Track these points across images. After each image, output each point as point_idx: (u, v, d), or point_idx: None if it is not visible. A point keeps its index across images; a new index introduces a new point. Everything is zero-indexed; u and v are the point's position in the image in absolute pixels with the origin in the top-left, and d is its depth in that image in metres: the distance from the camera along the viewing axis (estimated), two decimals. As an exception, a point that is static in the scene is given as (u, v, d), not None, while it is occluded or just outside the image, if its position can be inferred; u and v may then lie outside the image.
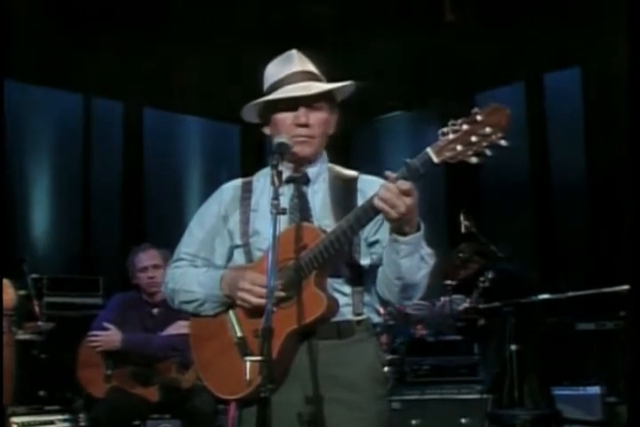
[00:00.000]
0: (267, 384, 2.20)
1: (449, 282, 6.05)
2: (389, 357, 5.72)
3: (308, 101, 2.63)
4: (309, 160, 2.68)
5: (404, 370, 5.72)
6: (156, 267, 5.04)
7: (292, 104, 2.63)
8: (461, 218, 6.09)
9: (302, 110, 2.62)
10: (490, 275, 5.94)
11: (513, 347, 5.34)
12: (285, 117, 2.64)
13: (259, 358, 2.23)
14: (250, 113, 2.75)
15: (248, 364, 2.32)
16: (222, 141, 9.17)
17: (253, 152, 8.35)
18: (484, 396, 5.31)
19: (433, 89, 8.14)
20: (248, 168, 8.64)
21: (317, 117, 2.64)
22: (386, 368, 5.52)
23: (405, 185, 2.28)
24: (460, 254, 6.07)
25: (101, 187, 8.10)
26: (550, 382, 5.48)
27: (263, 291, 2.42)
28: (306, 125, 2.62)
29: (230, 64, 7.43)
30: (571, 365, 5.57)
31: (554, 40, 7.16)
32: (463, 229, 6.08)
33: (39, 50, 7.06)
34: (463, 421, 5.24)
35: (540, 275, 7.14)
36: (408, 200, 2.28)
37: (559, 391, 5.48)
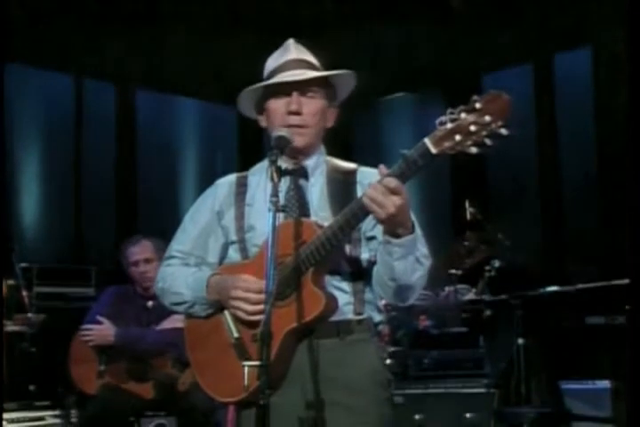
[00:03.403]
0: (265, 391, 2.16)
1: (454, 271, 5.91)
2: (392, 349, 5.59)
3: (301, 88, 2.57)
4: (304, 151, 2.60)
5: (406, 363, 5.58)
6: (147, 261, 4.94)
7: (284, 91, 2.58)
8: (467, 205, 5.98)
9: (294, 97, 2.57)
10: (496, 264, 5.84)
11: (520, 341, 5.22)
12: (278, 106, 2.59)
13: (257, 363, 2.18)
14: (246, 105, 2.69)
15: (246, 369, 2.26)
16: (219, 124, 8.94)
17: (251, 136, 8.16)
18: (490, 390, 5.15)
19: (439, 70, 7.98)
20: (245, 152, 8.62)
21: (311, 106, 2.58)
22: (388, 361, 5.41)
23: (392, 183, 2.19)
24: (466, 243, 5.91)
25: (93, 172, 7.94)
26: (559, 377, 5.35)
27: (259, 297, 2.40)
28: (298, 113, 2.56)
29: (228, 45, 7.28)
30: (580, 360, 5.44)
31: (563, 19, 7.01)
32: (468, 217, 5.96)
33: (29, 31, 6.91)
34: (468, 416, 5.08)
35: (549, 266, 7.03)
36: (397, 200, 2.20)
37: (567, 386, 5.35)
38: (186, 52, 7.51)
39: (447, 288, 6.03)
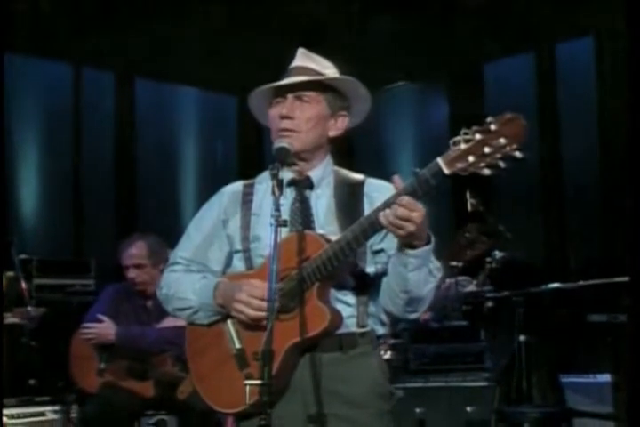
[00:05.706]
0: (267, 410, 2.15)
1: (455, 263, 5.87)
2: (392, 341, 5.57)
3: (295, 93, 2.56)
4: (301, 157, 2.56)
5: (407, 357, 5.56)
6: (137, 266, 4.88)
7: (280, 97, 2.58)
8: (468, 196, 5.93)
9: (288, 101, 2.56)
10: (497, 255, 5.79)
11: (522, 338, 5.19)
12: (275, 112, 2.58)
13: (258, 382, 2.17)
14: (261, 114, 2.68)
15: (248, 388, 2.24)
16: (218, 113, 8.88)
17: (251, 125, 8.06)
18: (491, 384, 5.14)
19: (440, 59, 7.91)
20: (245, 142, 8.55)
21: (305, 111, 2.55)
22: (389, 353, 5.40)
23: (404, 200, 2.18)
24: (467, 234, 5.87)
25: (93, 162, 7.90)
26: (560, 373, 5.34)
27: (260, 303, 2.38)
28: (289, 117, 2.54)
29: (226, 33, 7.20)
30: (582, 358, 5.43)
31: (565, 8, 6.89)
32: (470, 208, 5.91)
33: (28, 20, 6.82)
34: (469, 409, 5.08)
35: (551, 262, 7.00)
36: (416, 217, 2.17)
37: (568, 379, 5.35)
38: (186, 40, 7.41)
39: (448, 280, 5.98)
